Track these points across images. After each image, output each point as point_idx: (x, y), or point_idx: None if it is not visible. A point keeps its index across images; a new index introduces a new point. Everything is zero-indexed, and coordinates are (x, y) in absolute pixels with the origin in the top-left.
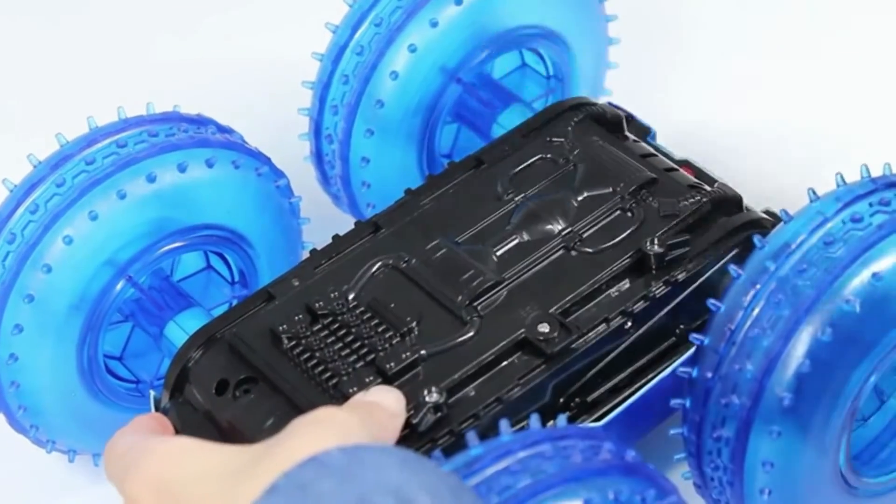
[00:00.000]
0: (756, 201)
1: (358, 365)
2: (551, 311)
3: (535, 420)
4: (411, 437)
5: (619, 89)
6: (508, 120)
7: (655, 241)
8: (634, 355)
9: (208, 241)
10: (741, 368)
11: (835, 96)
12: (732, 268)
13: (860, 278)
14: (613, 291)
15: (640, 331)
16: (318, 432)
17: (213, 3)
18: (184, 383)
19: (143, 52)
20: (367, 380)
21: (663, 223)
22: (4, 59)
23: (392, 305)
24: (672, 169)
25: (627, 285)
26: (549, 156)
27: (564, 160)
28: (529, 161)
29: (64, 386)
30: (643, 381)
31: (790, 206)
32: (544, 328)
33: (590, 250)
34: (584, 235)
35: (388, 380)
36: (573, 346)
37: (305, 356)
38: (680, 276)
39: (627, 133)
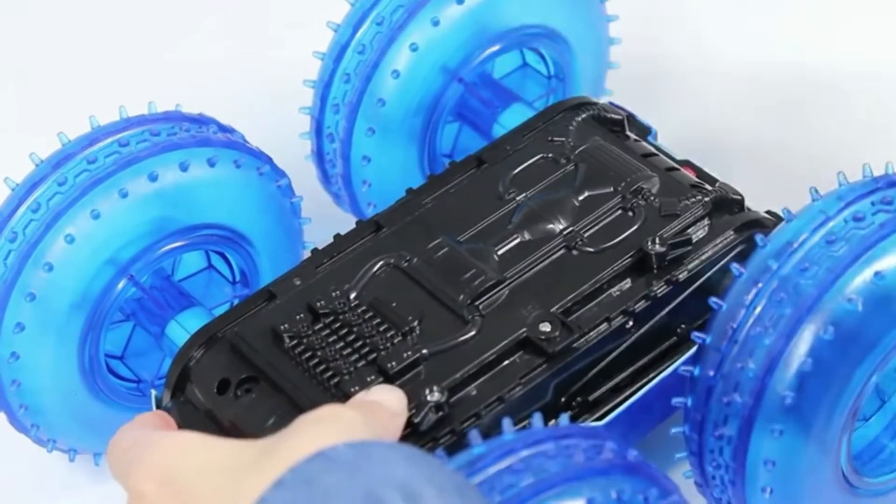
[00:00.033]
0: (757, 201)
1: (359, 364)
2: (553, 310)
3: (537, 419)
4: (413, 436)
5: (620, 89)
6: (509, 119)
7: (657, 241)
8: (636, 354)
9: (210, 240)
10: (743, 367)
11: (835, 96)
12: (734, 266)
13: (862, 277)
14: (615, 291)
15: (642, 330)
16: (322, 429)
17: (213, 3)
18: (185, 383)
19: (144, 51)
20: (368, 379)
21: (664, 223)
22: (5, 59)
23: (394, 304)
24: (673, 168)
25: (629, 285)
26: (550, 155)
27: (565, 160)
28: (531, 160)
29: (65, 385)
30: (645, 380)
31: (792, 206)
32: (546, 327)
33: (591, 250)
34: (586, 235)
35: (389, 379)
36: (574, 345)
37: (307, 355)
38: (681, 276)
39: (628, 133)
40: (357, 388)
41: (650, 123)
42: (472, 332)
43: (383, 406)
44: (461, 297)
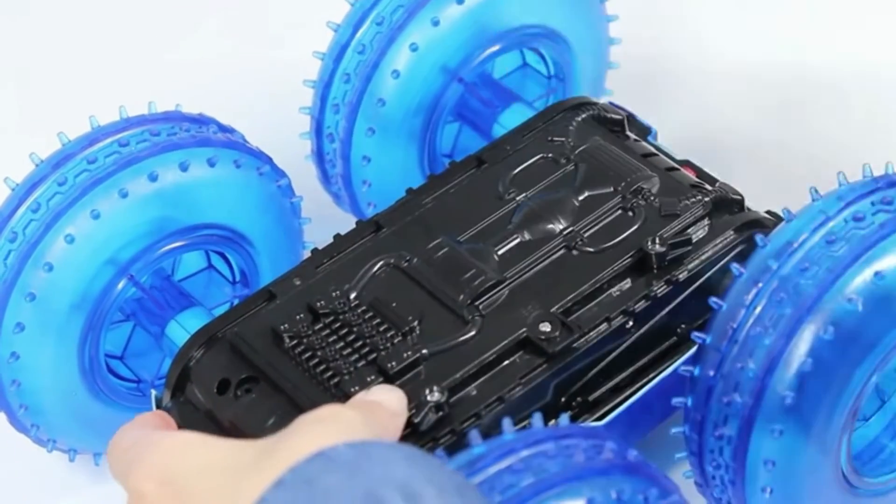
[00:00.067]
0: (757, 201)
1: (359, 364)
2: (553, 310)
3: (537, 419)
4: (413, 436)
5: (620, 89)
6: (509, 119)
7: (657, 241)
8: (636, 354)
9: (210, 240)
10: (743, 367)
11: (835, 96)
12: (734, 266)
13: (862, 277)
14: (615, 291)
15: (642, 330)
16: (322, 429)
17: (213, 3)
18: (185, 383)
19: (144, 51)
20: (368, 379)
21: (664, 223)
22: (5, 59)
23: (394, 304)
24: (673, 168)
25: (629, 285)
26: (550, 155)
27: (566, 160)
28: (531, 160)
29: (65, 385)
30: (645, 380)
31: (792, 206)
32: (546, 327)
33: (591, 250)
34: (586, 235)
35: (389, 379)
36: (574, 345)
37: (307, 355)
38: (681, 276)
39: (628, 133)
40: (357, 388)
41: (650, 123)
42: (472, 332)
43: (383, 406)
44: (461, 297)
